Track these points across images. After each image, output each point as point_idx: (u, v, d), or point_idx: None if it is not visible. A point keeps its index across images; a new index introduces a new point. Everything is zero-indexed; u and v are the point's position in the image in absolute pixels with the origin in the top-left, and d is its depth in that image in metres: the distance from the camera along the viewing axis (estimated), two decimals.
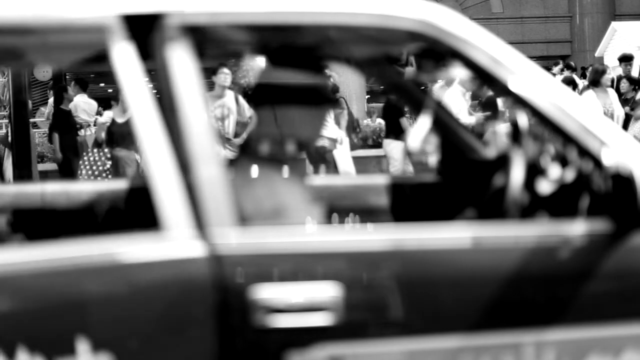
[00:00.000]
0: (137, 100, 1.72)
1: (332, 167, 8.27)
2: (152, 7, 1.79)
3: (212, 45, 2.10)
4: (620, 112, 8.81)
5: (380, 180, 2.78)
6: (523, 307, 1.76)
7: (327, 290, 1.66)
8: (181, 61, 1.76)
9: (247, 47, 2.19)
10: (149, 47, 1.79)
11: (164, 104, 1.75)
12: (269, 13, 1.84)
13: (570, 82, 10.73)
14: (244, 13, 1.83)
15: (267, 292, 1.65)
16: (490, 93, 7.57)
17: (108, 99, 10.09)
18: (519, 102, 1.89)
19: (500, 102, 8.15)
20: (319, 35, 2.00)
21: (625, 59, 11.17)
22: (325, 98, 2.29)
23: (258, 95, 2.25)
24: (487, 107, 8.04)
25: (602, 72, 9.00)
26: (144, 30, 1.78)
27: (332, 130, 8.16)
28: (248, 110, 7.65)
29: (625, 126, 8.92)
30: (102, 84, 21.42)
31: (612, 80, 10.00)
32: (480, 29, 1.91)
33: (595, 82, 8.91)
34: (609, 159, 1.79)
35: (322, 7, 1.87)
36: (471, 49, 1.87)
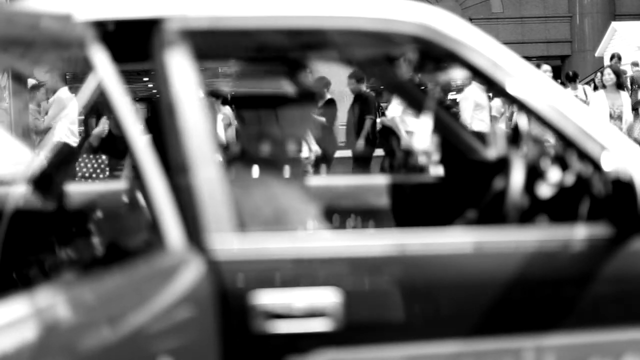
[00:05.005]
0: (125, 107, 1.70)
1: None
2: (151, 12, 1.78)
3: (212, 50, 2.10)
4: (628, 116, 8.71)
5: (380, 180, 2.78)
6: (523, 311, 1.75)
7: (328, 296, 1.66)
8: (180, 65, 1.76)
9: (246, 52, 2.18)
10: (147, 51, 1.79)
11: (163, 107, 1.74)
12: (269, 17, 1.84)
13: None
14: (244, 18, 1.83)
15: (267, 298, 1.64)
16: None
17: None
18: (518, 104, 1.89)
19: (499, 103, 8.13)
20: (319, 39, 2.00)
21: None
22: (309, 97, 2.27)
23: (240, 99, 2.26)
24: None
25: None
26: (143, 35, 1.78)
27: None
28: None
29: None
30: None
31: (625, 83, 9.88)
32: (479, 32, 1.90)
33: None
34: (609, 163, 1.79)
35: (323, 12, 1.87)
36: (470, 52, 1.86)
